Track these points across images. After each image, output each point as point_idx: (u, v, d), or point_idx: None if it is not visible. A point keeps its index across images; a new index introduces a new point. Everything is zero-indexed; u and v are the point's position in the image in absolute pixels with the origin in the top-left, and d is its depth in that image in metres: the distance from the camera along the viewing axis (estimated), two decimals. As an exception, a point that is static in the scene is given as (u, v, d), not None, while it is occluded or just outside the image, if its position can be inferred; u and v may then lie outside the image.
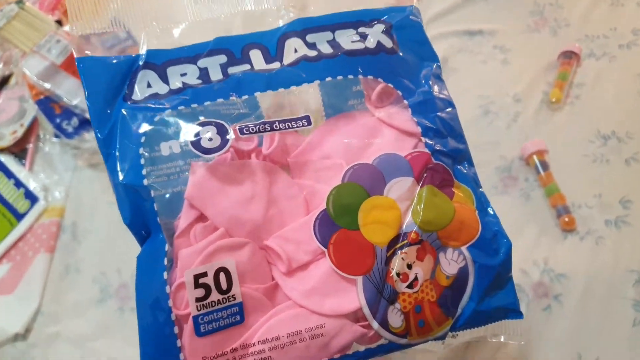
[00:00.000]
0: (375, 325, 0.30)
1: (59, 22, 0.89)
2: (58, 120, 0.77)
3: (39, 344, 0.67)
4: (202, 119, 0.32)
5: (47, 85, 0.78)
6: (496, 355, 0.61)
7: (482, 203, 0.37)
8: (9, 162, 0.80)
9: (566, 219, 0.70)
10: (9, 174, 0.79)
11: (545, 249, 0.69)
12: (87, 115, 0.76)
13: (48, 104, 0.78)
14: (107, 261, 0.73)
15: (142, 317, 0.29)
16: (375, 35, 0.36)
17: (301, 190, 0.32)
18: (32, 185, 0.78)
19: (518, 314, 0.35)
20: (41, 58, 0.79)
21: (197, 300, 0.29)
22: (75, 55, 0.35)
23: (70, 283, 0.72)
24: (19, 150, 0.82)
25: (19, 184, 0.78)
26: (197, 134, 0.31)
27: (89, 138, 0.75)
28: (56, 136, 0.77)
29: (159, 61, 0.35)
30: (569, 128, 0.80)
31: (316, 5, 0.40)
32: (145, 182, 0.32)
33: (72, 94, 0.79)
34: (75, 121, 0.76)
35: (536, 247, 0.69)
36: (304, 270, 0.30)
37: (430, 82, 0.37)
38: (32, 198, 0.77)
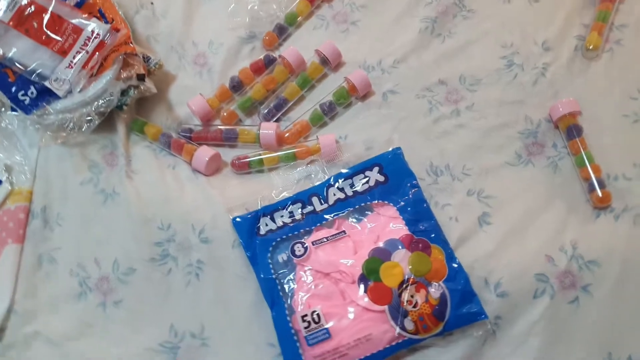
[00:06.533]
0: (398, 330, 0.58)
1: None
2: (13, 90, 0.70)
3: (15, 345, 0.65)
4: (294, 240, 0.65)
5: (-4, 48, 0.70)
6: (516, 351, 0.58)
7: (450, 254, 0.63)
8: (-37, 141, 0.74)
9: (599, 194, 0.64)
10: (-36, 155, 0.73)
11: (574, 229, 0.63)
12: (47, 84, 0.69)
13: (0, 70, 0.71)
14: (84, 250, 0.69)
15: (280, 335, 0.60)
16: (374, 175, 0.68)
17: (353, 245, 0.65)
18: (-7, 167, 0.72)
19: (484, 316, 0.59)
20: (-15, 15, 0.71)
21: (304, 328, 0.59)
22: (230, 217, 0.67)
23: (44, 276, 0.68)
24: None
25: (-24, 166, 0.73)
26: (292, 249, 0.64)
27: (52, 111, 0.68)
28: (13, 110, 0.70)
29: (269, 211, 0.67)
30: (608, 81, 0.72)
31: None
32: (273, 276, 0.63)
33: (27, 56, 0.71)
34: (33, 91, 0.69)
35: (564, 227, 0.64)
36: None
37: (410, 192, 0.67)
38: (-7, 181, 0.72)
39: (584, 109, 0.69)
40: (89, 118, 0.69)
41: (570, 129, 0.68)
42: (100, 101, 0.68)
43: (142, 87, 0.72)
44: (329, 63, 0.77)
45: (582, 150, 0.67)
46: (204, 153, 0.71)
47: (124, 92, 0.71)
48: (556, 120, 0.69)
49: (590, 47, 0.73)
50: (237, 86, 0.77)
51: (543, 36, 0.77)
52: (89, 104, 0.68)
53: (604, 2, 0.77)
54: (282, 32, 0.82)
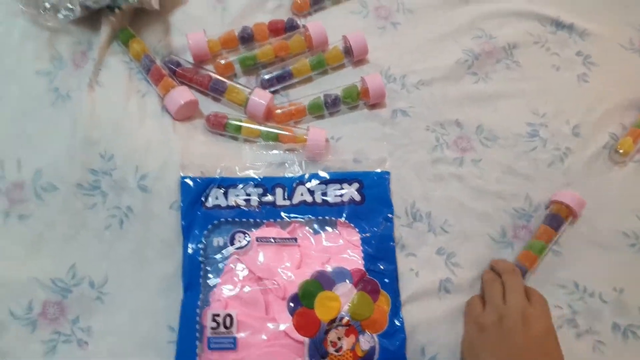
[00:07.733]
0: (311, 369, 0.52)
1: None
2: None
3: None
4: (238, 228, 0.57)
5: None
6: None
7: (396, 308, 0.56)
8: None
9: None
10: None
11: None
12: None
13: None
14: (10, 146, 0.60)
15: (183, 324, 0.53)
16: (351, 191, 0.61)
17: (299, 257, 0.57)
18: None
19: None
20: None
21: (212, 328, 0.52)
22: (180, 174, 0.60)
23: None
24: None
25: None
26: (233, 237, 0.57)
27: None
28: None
29: (225, 184, 0.60)
30: (621, 193, 0.67)
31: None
32: (200, 258, 0.56)
33: None
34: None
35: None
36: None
37: (381, 224, 0.60)
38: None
39: (585, 212, 0.64)
40: (70, 7, 0.59)
41: (557, 217, 0.62)
42: (91, -7, 0.59)
43: (143, -3, 0.63)
44: (352, 55, 0.70)
45: (544, 240, 0.61)
46: (181, 95, 0.62)
47: (121, -6, 0.62)
48: (552, 202, 0.64)
49: (621, 151, 0.68)
50: (246, 38, 0.69)
51: (578, 120, 0.71)
52: (77, -9, 0.59)
53: (651, 110, 0.72)
54: (317, 1, 0.74)
